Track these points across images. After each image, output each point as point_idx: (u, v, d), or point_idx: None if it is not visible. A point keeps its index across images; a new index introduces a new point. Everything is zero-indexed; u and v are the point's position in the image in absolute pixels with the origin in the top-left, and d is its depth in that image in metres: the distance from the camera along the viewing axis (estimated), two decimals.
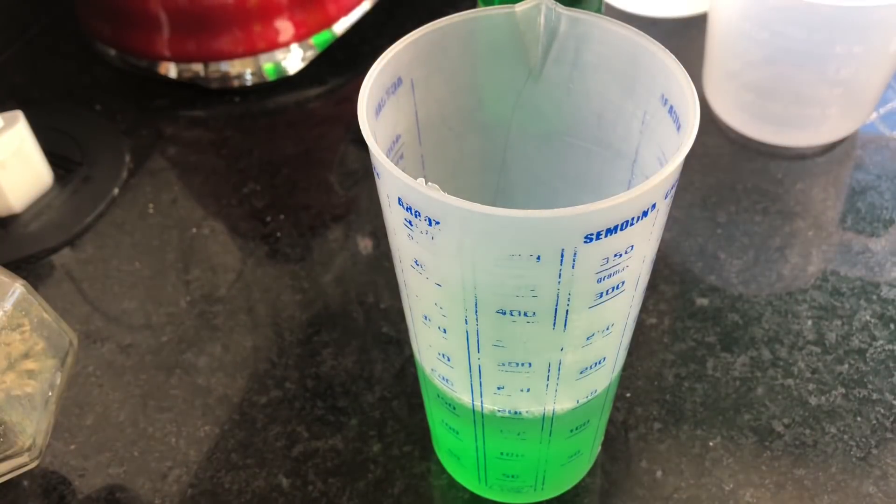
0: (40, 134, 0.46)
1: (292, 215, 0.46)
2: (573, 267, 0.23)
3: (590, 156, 0.30)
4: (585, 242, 0.22)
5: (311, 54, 0.53)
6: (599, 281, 0.24)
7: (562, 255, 0.22)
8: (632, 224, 0.22)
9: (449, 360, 0.28)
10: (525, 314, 0.24)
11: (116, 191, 0.48)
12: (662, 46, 0.25)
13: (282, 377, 0.39)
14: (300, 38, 0.53)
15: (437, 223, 0.22)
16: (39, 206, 0.47)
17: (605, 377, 0.29)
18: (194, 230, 0.46)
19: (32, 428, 0.33)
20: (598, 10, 0.47)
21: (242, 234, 0.46)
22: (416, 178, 0.23)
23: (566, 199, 0.32)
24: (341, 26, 0.54)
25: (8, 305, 0.33)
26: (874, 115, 0.50)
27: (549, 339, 0.25)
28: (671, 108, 0.25)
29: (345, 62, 0.56)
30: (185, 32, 0.51)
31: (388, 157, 0.23)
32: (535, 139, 0.31)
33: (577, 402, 0.29)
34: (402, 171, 0.22)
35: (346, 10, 0.54)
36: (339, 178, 0.49)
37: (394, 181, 0.22)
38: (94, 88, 0.55)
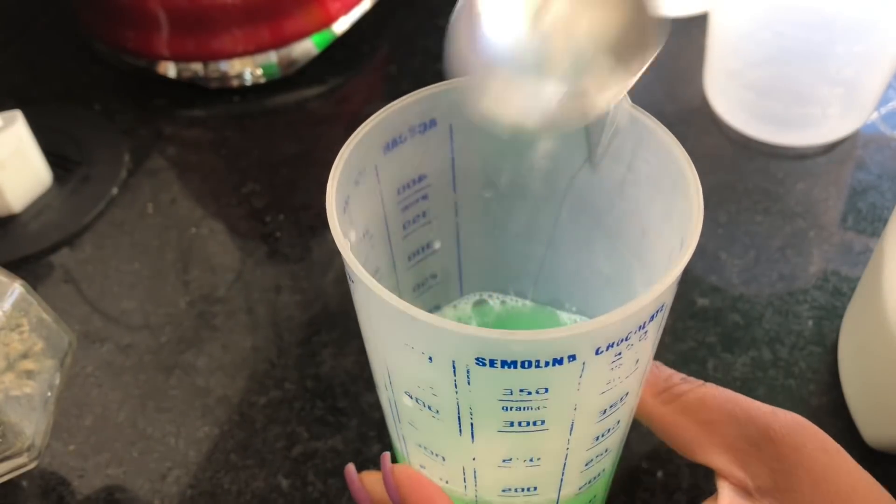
0: (39, 133, 0.46)
1: (292, 215, 0.46)
2: (469, 383, 0.21)
3: (631, 270, 0.28)
4: (478, 364, 0.20)
5: (308, 54, 0.53)
6: (505, 409, 0.21)
7: (453, 366, 0.20)
8: (539, 366, 0.20)
9: (384, 411, 0.27)
10: (429, 408, 0.23)
11: (115, 190, 0.48)
12: (697, 178, 0.23)
13: (281, 378, 0.39)
14: (298, 37, 0.52)
15: (353, 282, 0.22)
16: (38, 205, 0.47)
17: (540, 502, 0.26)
18: (193, 230, 0.46)
19: (31, 428, 0.33)
20: None
21: (242, 234, 0.46)
22: (439, 221, 0.22)
23: (602, 302, 0.30)
24: (341, 25, 0.54)
25: (7, 305, 0.33)
26: (875, 114, 0.50)
27: (457, 443, 0.23)
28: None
29: (344, 62, 0.55)
30: (185, 32, 0.51)
31: (401, 192, 0.22)
32: (585, 229, 0.29)
33: None
34: (424, 211, 0.21)
35: (346, 9, 0.54)
36: None
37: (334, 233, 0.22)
38: (94, 88, 0.55)
